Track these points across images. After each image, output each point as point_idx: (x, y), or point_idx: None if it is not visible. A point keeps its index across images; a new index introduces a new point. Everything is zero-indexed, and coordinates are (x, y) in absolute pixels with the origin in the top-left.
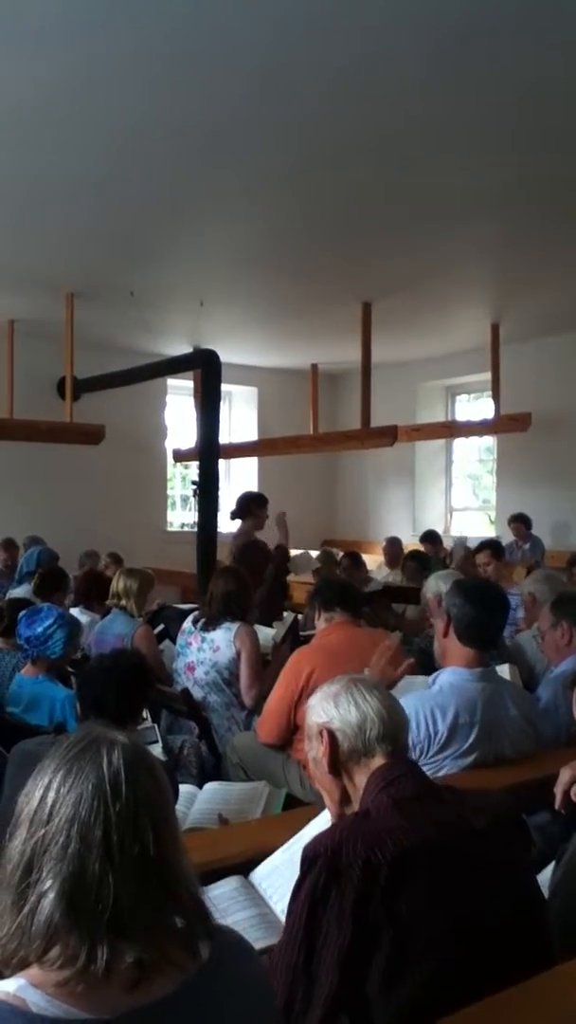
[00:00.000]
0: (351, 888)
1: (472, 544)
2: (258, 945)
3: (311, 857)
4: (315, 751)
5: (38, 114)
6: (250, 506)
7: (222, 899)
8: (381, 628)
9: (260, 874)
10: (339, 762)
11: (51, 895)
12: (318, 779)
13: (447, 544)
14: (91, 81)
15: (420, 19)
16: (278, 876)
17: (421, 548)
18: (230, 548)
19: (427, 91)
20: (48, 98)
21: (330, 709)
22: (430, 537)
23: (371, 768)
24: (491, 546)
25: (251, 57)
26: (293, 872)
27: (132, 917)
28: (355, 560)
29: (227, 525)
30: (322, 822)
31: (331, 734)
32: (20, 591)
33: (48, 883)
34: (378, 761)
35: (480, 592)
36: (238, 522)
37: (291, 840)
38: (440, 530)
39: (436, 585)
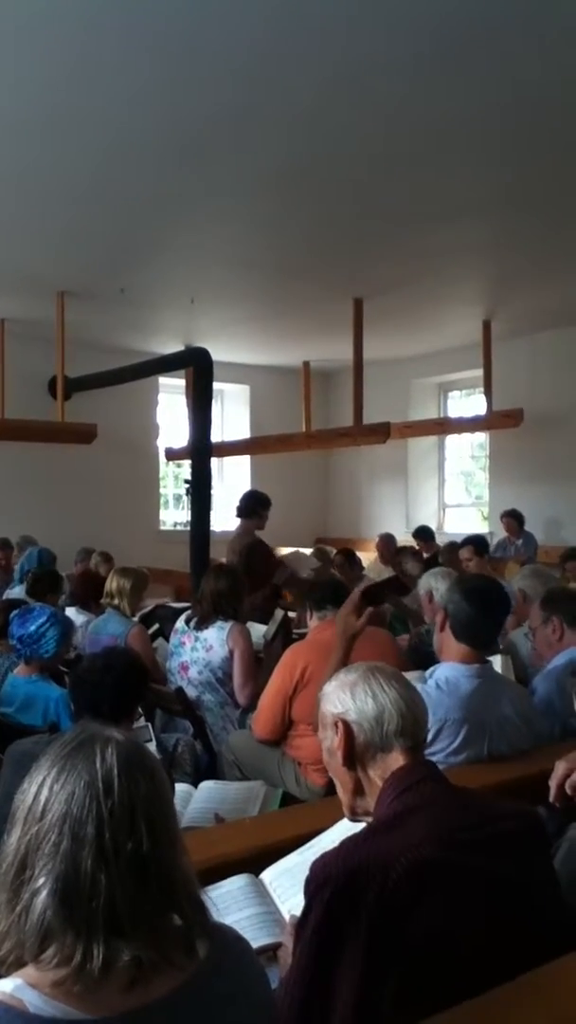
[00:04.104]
0: (365, 915)
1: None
2: (262, 943)
3: (320, 882)
4: (329, 741)
5: (27, 113)
6: (256, 506)
7: (230, 895)
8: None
9: (271, 874)
10: (355, 755)
11: (43, 892)
12: (332, 769)
13: (440, 541)
14: (80, 80)
15: (414, 20)
16: (289, 878)
17: (415, 544)
18: (231, 545)
19: (419, 91)
20: (37, 97)
21: (346, 699)
22: (423, 533)
23: (387, 763)
24: (473, 542)
25: (243, 55)
26: (305, 875)
27: (128, 915)
28: (349, 557)
29: (220, 523)
30: (342, 829)
31: (347, 726)
32: (19, 591)
33: (41, 880)
34: (395, 757)
35: (479, 592)
36: (237, 520)
37: (308, 844)
38: (433, 527)
39: (427, 582)
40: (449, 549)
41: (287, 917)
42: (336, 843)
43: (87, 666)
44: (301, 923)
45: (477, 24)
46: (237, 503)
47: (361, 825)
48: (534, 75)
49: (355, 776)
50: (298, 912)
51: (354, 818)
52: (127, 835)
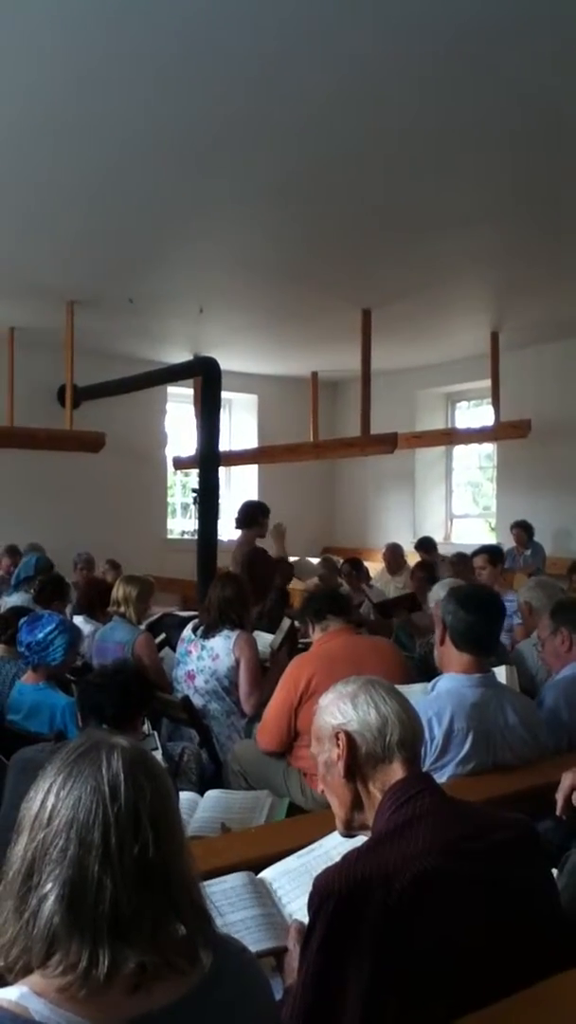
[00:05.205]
0: (369, 926)
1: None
2: (261, 946)
3: (323, 896)
4: (327, 754)
5: (38, 122)
6: (255, 515)
7: (228, 894)
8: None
9: (272, 874)
10: (355, 766)
11: (51, 898)
12: (328, 783)
13: (447, 552)
14: (90, 89)
15: (421, 27)
16: (290, 880)
17: (424, 557)
18: (234, 556)
19: (428, 98)
20: (47, 105)
21: (347, 710)
22: (424, 544)
23: (387, 775)
24: (488, 551)
25: (252, 63)
26: (309, 879)
27: (133, 921)
28: (356, 567)
29: (227, 533)
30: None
31: (349, 737)
32: (15, 599)
33: (48, 886)
34: (395, 769)
35: (474, 598)
36: (239, 530)
37: (309, 847)
38: (440, 537)
39: (437, 594)
40: (457, 560)
41: (289, 921)
42: (339, 847)
43: (93, 675)
44: (306, 937)
45: (485, 31)
46: (236, 515)
47: (361, 836)
48: (541, 80)
49: (354, 789)
50: (300, 916)
51: (349, 833)
52: (133, 839)
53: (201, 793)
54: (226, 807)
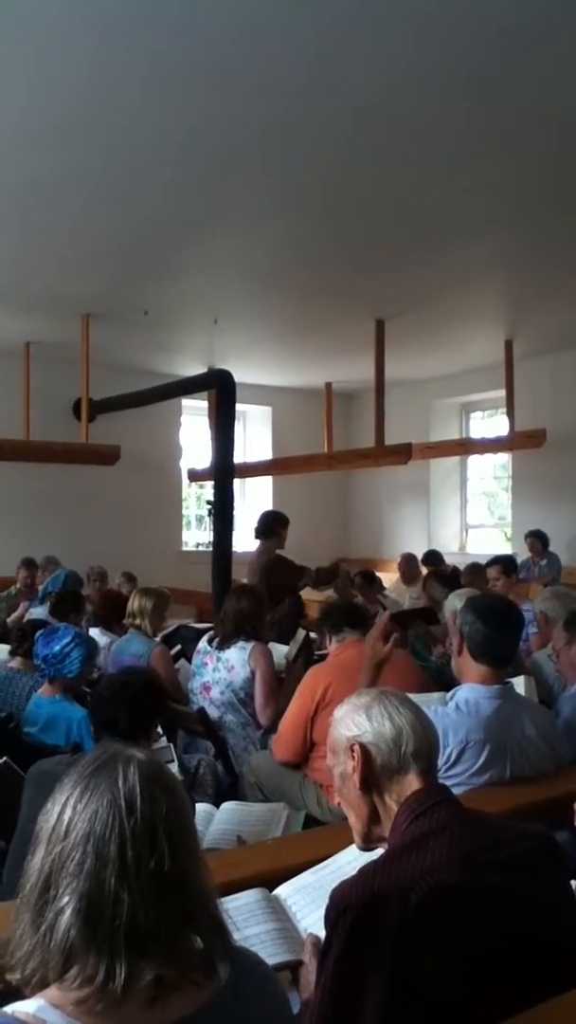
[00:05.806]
0: (386, 940)
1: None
2: (277, 960)
3: (340, 910)
4: (343, 767)
5: (50, 132)
6: (275, 525)
7: (242, 911)
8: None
9: (286, 890)
10: (371, 778)
11: (68, 911)
12: (344, 796)
13: (463, 562)
14: (104, 101)
15: (442, 43)
16: (304, 896)
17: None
18: (251, 567)
19: (444, 110)
20: (59, 114)
21: (362, 722)
22: (432, 558)
23: (403, 787)
24: (502, 562)
25: (267, 77)
26: (323, 895)
27: (149, 934)
28: (368, 578)
29: (243, 544)
30: (356, 850)
31: (364, 748)
32: (40, 611)
33: (65, 899)
34: (411, 780)
35: (492, 610)
36: (257, 541)
37: (324, 863)
38: (456, 548)
39: (452, 603)
40: (472, 571)
41: (304, 935)
42: (353, 863)
43: (104, 686)
44: (323, 950)
45: (504, 45)
46: (255, 525)
47: (378, 850)
48: (560, 90)
49: (370, 801)
50: (314, 931)
51: (367, 847)
52: (149, 852)
53: (217, 805)
54: (242, 819)
